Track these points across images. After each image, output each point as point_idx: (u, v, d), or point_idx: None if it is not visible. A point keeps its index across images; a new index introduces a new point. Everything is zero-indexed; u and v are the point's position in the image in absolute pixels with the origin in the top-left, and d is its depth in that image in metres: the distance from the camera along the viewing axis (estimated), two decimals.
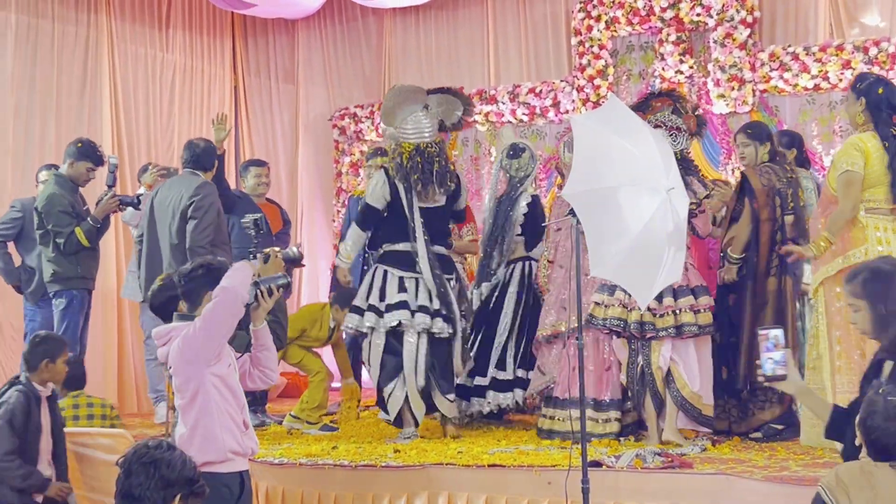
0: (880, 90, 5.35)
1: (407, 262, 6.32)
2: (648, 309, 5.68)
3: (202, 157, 6.49)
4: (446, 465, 5.50)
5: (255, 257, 5.31)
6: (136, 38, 9.63)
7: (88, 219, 6.87)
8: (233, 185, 10.59)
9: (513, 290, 6.75)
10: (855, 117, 5.46)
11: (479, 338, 6.78)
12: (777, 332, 3.55)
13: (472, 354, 6.63)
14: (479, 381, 6.69)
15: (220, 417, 4.04)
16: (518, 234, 6.71)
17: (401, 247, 6.34)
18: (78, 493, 5.64)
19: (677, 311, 5.78)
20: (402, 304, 6.24)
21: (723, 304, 6.10)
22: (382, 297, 6.31)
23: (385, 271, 6.36)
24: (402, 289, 6.28)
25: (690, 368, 5.81)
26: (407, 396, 6.24)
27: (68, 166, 6.99)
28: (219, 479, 4.00)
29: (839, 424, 3.67)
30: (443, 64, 10.41)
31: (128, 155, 9.26)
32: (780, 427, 6.00)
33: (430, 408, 6.36)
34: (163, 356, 4.17)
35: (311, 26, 11.06)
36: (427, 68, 10.46)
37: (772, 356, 3.55)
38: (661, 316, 5.77)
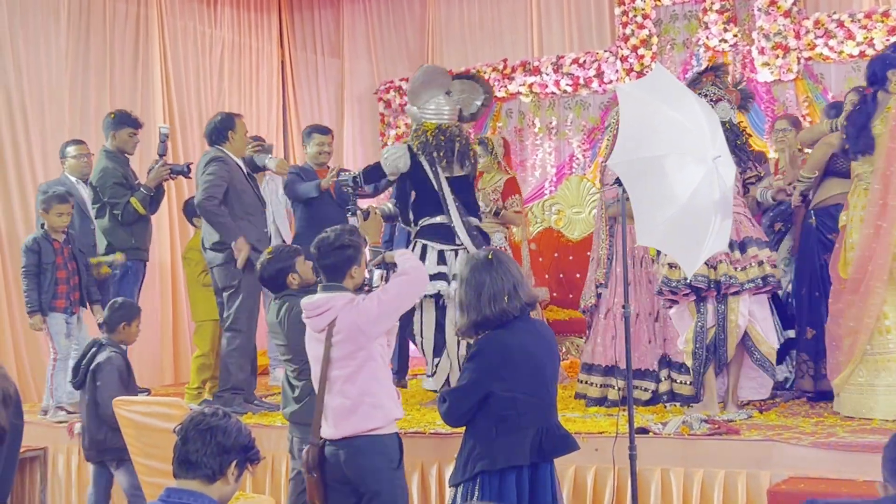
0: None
1: (446, 234, 6.37)
2: (731, 262, 5.56)
3: (213, 131, 6.60)
4: None
5: (353, 214, 5.37)
6: (185, 14, 9.72)
7: (141, 188, 7.02)
8: (293, 154, 10.80)
9: None
10: None
11: None
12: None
13: None
14: None
15: (386, 384, 4.19)
16: None
17: (439, 219, 6.38)
18: (135, 460, 5.80)
19: (762, 262, 5.61)
20: (441, 276, 6.28)
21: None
22: None
23: (424, 245, 6.38)
24: (441, 261, 6.33)
25: (767, 322, 5.72)
26: (452, 366, 6.35)
27: (111, 139, 7.12)
28: (386, 440, 4.15)
29: None
30: (486, 35, 10.41)
31: (179, 129, 9.38)
32: None
33: None
34: (316, 326, 4.21)
35: (355, 0, 11.11)
36: (470, 40, 10.47)
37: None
38: (744, 269, 5.58)
